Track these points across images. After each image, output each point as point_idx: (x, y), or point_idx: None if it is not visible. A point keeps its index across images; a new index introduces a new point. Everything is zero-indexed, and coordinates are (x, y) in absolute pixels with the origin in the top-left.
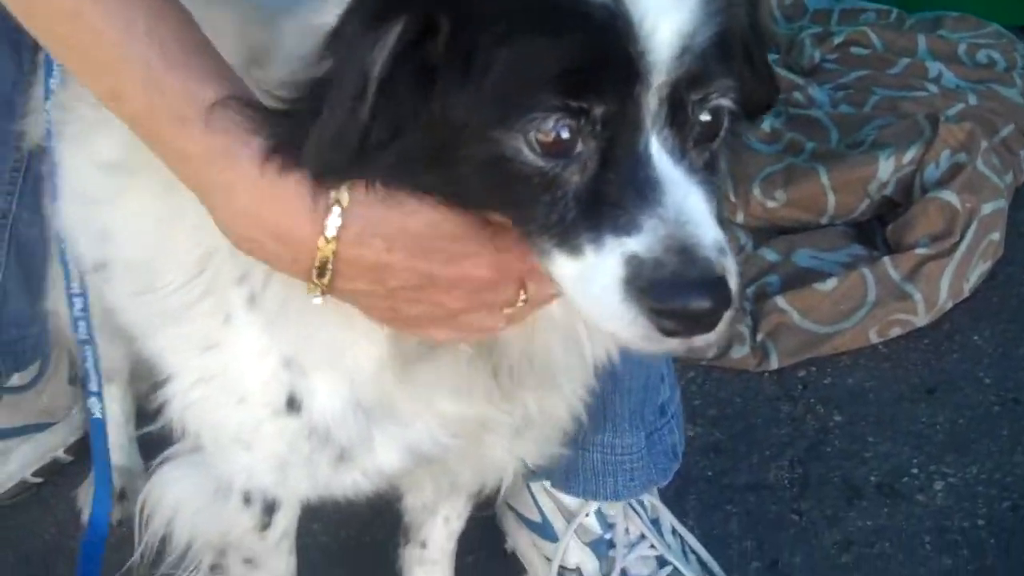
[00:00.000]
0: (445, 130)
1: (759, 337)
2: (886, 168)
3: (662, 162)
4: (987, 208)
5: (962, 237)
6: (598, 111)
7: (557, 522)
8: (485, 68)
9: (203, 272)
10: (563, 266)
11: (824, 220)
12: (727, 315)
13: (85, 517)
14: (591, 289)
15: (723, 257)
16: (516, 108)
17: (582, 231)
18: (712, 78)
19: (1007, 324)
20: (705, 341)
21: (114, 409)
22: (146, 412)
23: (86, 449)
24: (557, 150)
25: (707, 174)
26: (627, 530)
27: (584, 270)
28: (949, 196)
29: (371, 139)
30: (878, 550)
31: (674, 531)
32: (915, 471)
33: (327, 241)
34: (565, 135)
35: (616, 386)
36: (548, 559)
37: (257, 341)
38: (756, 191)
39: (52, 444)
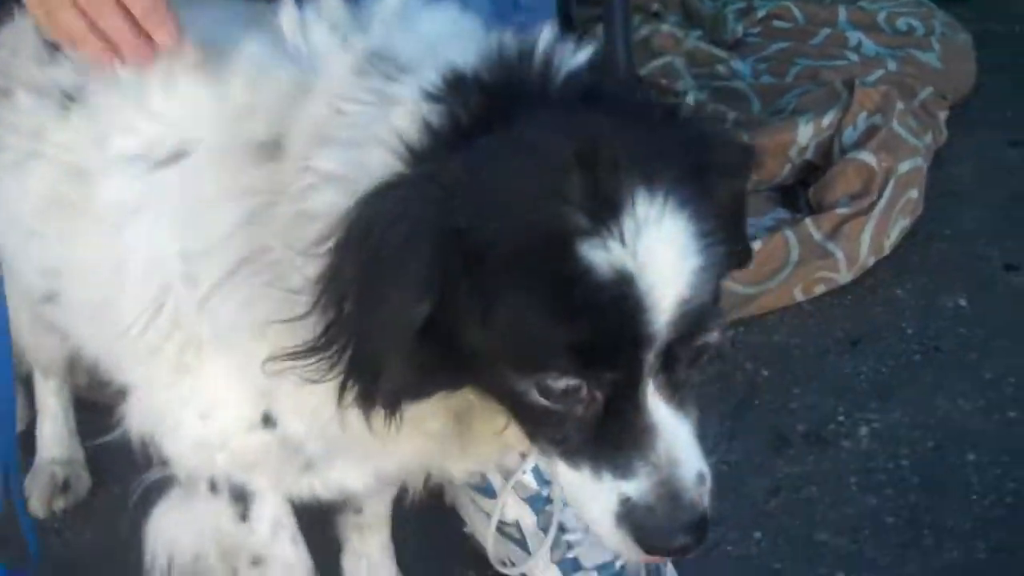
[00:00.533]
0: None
1: None
2: (805, 133)
3: (657, 408)
4: (904, 167)
5: (880, 195)
6: (607, 376)
7: (495, 479)
8: (502, 321)
9: (163, 306)
10: (563, 473)
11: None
12: None
13: (30, 507)
14: (588, 507)
15: (703, 487)
16: (529, 363)
17: (583, 457)
18: (706, 328)
19: (928, 278)
20: None
21: (51, 403)
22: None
23: (27, 443)
24: (564, 399)
25: (684, 402)
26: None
27: (583, 485)
28: (866, 156)
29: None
30: (805, 494)
31: None
32: (840, 419)
33: None
34: (572, 389)
35: None
36: (488, 515)
37: (233, 373)
38: None
39: None
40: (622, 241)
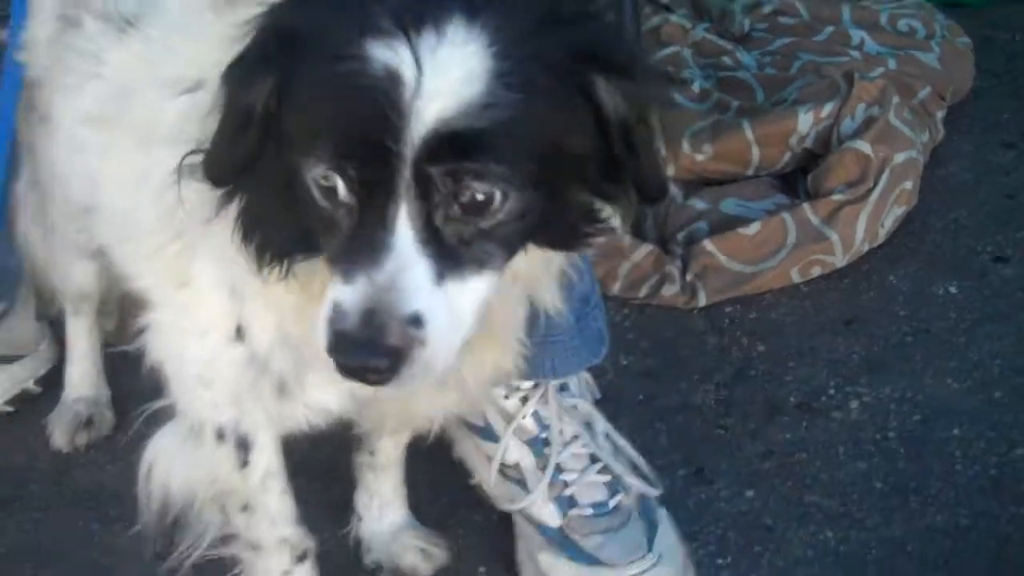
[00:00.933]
0: (284, 153)
1: (688, 277)
2: (806, 122)
3: (402, 231)
4: (899, 158)
5: (875, 184)
6: (353, 173)
7: (498, 424)
8: (292, 115)
9: (174, 215)
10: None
11: (750, 172)
12: (406, 377)
13: (53, 441)
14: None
15: (413, 329)
16: (303, 148)
17: (336, 263)
18: (464, 163)
19: (921, 266)
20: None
21: (81, 343)
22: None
23: (54, 381)
24: (329, 195)
25: (467, 247)
26: (561, 431)
27: (331, 287)
28: (863, 146)
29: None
30: (796, 459)
31: (607, 436)
32: (832, 392)
33: None
34: (333, 183)
35: None
36: (490, 458)
37: (213, 274)
38: (685, 146)
39: (22, 376)
40: (409, 50)
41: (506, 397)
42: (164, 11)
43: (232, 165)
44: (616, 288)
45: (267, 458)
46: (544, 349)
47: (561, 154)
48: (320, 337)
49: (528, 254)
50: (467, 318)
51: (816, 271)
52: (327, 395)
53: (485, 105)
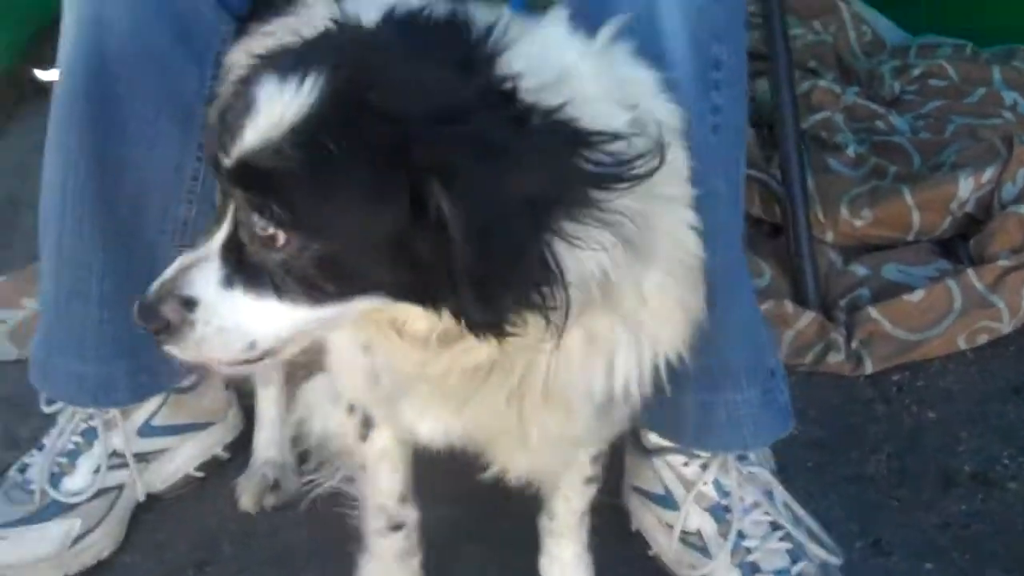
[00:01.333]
0: None
1: (853, 344)
2: (966, 187)
3: (218, 236)
4: None
5: None
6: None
7: (678, 491)
8: None
9: None
10: None
11: (910, 237)
12: (177, 348)
13: (242, 504)
14: None
15: (185, 310)
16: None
17: None
18: (249, 194)
19: None
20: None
21: (270, 411)
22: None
23: (242, 447)
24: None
25: (266, 272)
26: (742, 497)
27: None
28: None
29: None
30: (974, 531)
31: (786, 504)
32: (1006, 462)
33: None
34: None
35: (732, 346)
36: (670, 527)
37: None
38: (844, 211)
39: (212, 442)
40: (262, 88)
41: (685, 464)
42: None
43: None
44: (781, 356)
45: (384, 440)
46: (735, 423)
47: (372, 230)
48: None
49: (574, 325)
50: (252, 327)
51: (983, 338)
52: (419, 422)
53: (285, 152)
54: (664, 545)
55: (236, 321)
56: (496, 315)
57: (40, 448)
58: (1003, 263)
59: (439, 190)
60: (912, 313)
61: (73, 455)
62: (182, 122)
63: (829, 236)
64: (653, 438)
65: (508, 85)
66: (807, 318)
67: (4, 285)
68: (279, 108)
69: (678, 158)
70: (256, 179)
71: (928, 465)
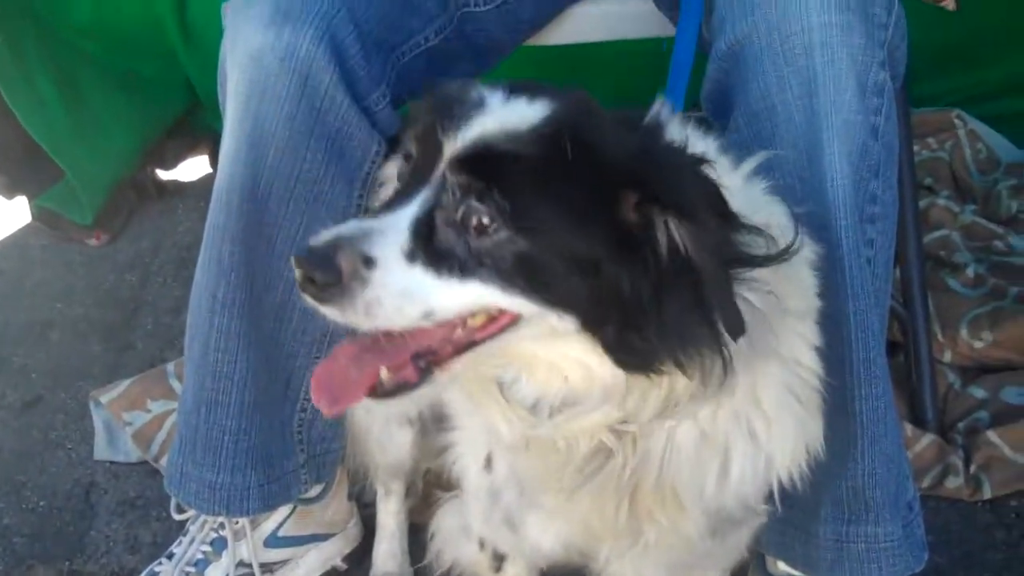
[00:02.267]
0: None
1: (972, 469)
2: None
3: (410, 209)
4: None
5: None
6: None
7: None
8: None
9: None
10: None
11: None
12: (339, 304)
13: None
14: None
15: (362, 267)
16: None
17: None
18: (475, 180)
19: None
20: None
21: (390, 522)
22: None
23: (360, 558)
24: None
25: (452, 256)
26: None
27: None
28: None
29: None
30: None
31: None
32: None
33: None
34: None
35: (876, 480)
36: None
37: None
38: (963, 332)
39: (332, 553)
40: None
41: None
42: None
43: None
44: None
45: (518, 570)
46: (872, 558)
47: (578, 243)
48: None
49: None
50: (432, 298)
51: None
52: (542, 536)
53: (524, 146)
54: None
55: (408, 291)
56: (669, 349)
57: (169, 557)
58: None
59: (675, 225)
60: None
61: (201, 564)
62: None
63: (948, 357)
64: (781, 566)
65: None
66: (926, 440)
67: (131, 388)
68: (522, 107)
69: (806, 277)
70: (486, 166)
71: None
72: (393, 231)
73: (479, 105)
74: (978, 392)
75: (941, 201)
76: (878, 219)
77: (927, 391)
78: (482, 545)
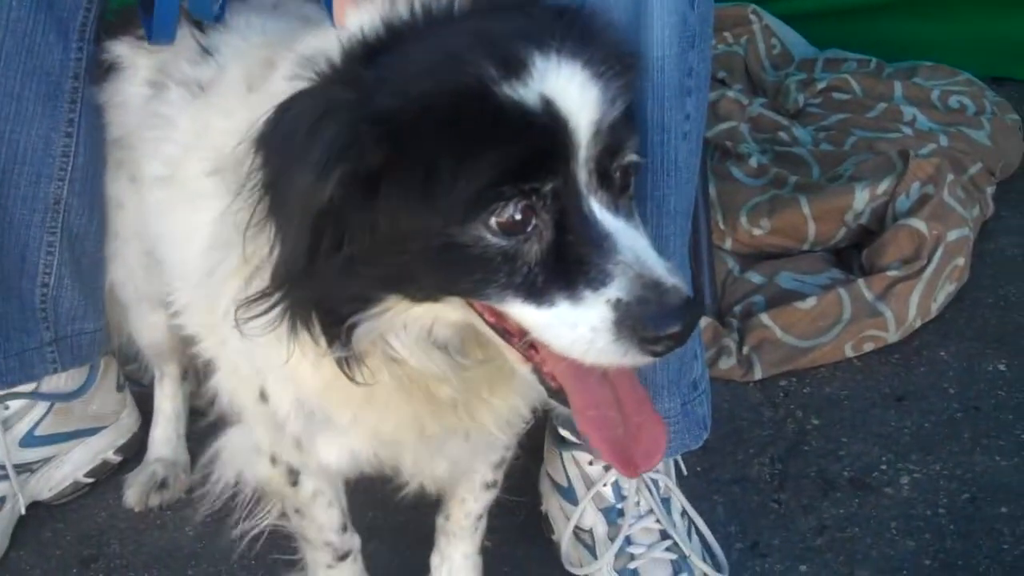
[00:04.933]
0: (392, 233)
1: (744, 350)
2: (861, 199)
3: (605, 218)
4: (952, 235)
5: (929, 261)
6: (547, 187)
7: (579, 488)
8: (434, 179)
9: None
10: (531, 314)
11: (805, 247)
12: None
13: (126, 500)
14: (577, 333)
15: (679, 277)
16: (477, 205)
17: (552, 287)
18: (621, 145)
19: (971, 342)
20: None
21: (166, 406)
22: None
23: (134, 449)
24: (515, 229)
25: (632, 216)
26: (638, 503)
27: (559, 318)
28: (918, 224)
29: (318, 253)
30: (849, 534)
31: (684, 513)
32: (884, 467)
33: None
34: (520, 216)
35: None
36: (568, 519)
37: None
38: (743, 220)
39: (102, 447)
40: (531, 81)
41: (590, 463)
42: (226, 77)
43: (304, 265)
44: None
45: (314, 483)
46: None
47: None
48: (588, 347)
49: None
50: None
51: (869, 346)
52: (330, 455)
53: (605, 98)
54: (560, 535)
55: None
56: None
57: None
58: (893, 273)
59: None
60: (802, 320)
61: None
62: (48, 97)
63: (728, 243)
64: (564, 432)
65: None
66: (702, 323)
67: None
68: (584, 81)
69: None
70: (622, 125)
71: (809, 470)
72: (638, 238)
73: (547, 101)
74: (755, 277)
75: (731, 93)
76: (694, 91)
77: (706, 276)
78: (274, 461)
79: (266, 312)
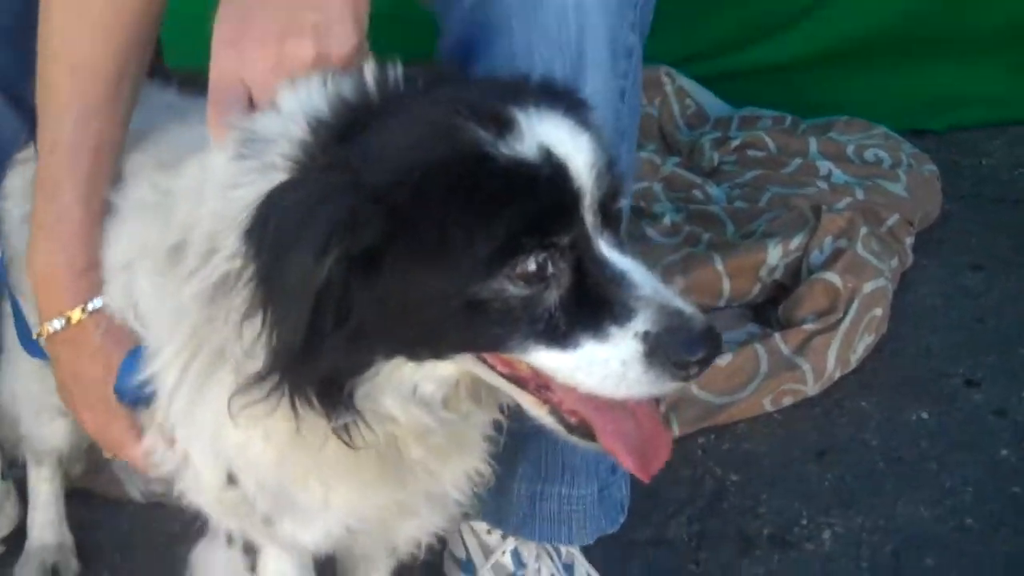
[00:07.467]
0: (404, 302)
1: (661, 408)
2: (775, 254)
3: (614, 257)
4: (868, 287)
5: (845, 313)
6: (566, 239)
7: (477, 558)
8: (448, 244)
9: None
10: (556, 359)
11: (722, 303)
12: None
13: None
14: (608, 368)
15: (693, 304)
16: (499, 261)
17: (575, 329)
18: (618, 185)
19: (892, 393)
20: None
21: (44, 489)
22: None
23: (19, 539)
24: (535, 277)
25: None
26: (539, 570)
27: (586, 358)
28: (832, 277)
29: (318, 332)
30: None
31: None
32: (804, 523)
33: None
34: (535, 267)
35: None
36: None
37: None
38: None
39: None
40: (525, 135)
41: (488, 532)
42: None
43: (304, 343)
44: None
45: (275, 562)
46: (564, 517)
47: None
48: (619, 381)
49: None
50: None
51: (788, 400)
52: (303, 533)
53: (594, 142)
54: None
55: None
56: None
57: None
58: (809, 327)
59: None
60: (719, 377)
61: None
62: None
63: None
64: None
65: None
66: None
67: None
68: (584, 136)
69: None
70: (611, 168)
71: (728, 528)
72: (644, 272)
73: (556, 155)
74: None
75: (645, 154)
76: (631, 74)
77: None
78: (230, 540)
79: (265, 396)
